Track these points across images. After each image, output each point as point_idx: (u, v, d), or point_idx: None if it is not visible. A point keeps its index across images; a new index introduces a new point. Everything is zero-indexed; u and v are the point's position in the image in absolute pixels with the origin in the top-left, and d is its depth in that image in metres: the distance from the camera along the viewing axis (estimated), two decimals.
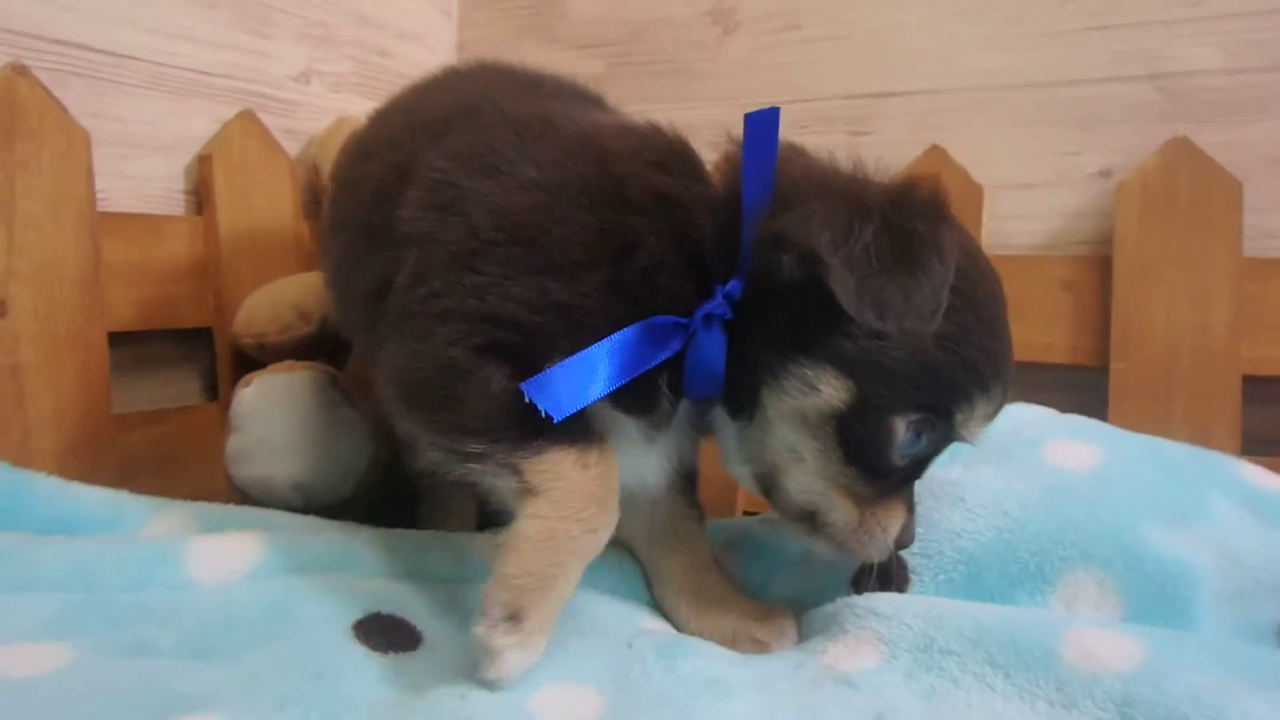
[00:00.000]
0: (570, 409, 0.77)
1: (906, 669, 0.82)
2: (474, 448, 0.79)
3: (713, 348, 0.83)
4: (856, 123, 1.62)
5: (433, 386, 0.82)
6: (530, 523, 0.76)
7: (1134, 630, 0.83)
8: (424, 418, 0.84)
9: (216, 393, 1.50)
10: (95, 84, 1.34)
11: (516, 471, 0.78)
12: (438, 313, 0.83)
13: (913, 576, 0.95)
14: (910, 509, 0.87)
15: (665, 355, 0.82)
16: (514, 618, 0.74)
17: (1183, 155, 1.37)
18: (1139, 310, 1.38)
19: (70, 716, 0.68)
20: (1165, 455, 1.05)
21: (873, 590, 0.92)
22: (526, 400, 0.76)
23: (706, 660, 0.85)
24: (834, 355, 0.80)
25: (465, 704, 0.71)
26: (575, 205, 0.84)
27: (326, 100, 1.70)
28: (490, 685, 0.74)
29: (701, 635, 0.94)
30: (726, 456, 0.92)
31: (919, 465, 0.86)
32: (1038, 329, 1.44)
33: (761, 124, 0.82)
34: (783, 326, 0.82)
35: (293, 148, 1.62)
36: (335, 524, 1.03)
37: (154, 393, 1.45)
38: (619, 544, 0.97)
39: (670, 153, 0.89)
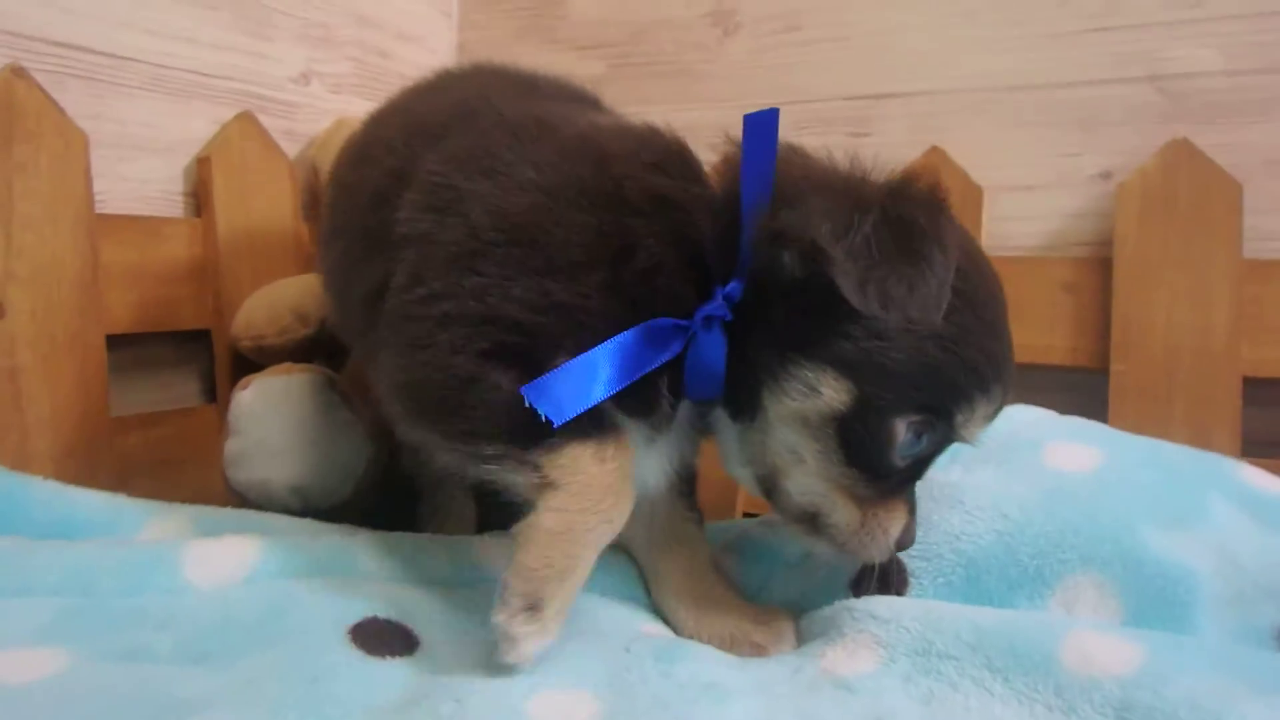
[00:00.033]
0: (571, 413, 0.77)
1: (905, 673, 0.82)
2: (490, 450, 0.80)
3: (713, 349, 0.83)
4: (856, 124, 1.62)
5: (441, 397, 0.82)
6: (550, 515, 0.77)
7: (1133, 634, 0.83)
8: (436, 427, 0.85)
9: (215, 395, 1.50)
10: (94, 86, 1.34)
11: (536, 468, 0.79)
12: (438, 317, 0.83)
13: (912, 579, 0.95)
14: (911, 509, 0.87)
15: (666, 358, 0.82)
16: (533, 607, 0.76)
17: (1183, 157, 1.37)
18: (1139, 312, 1.38)
19: None
20: (1165, 457, 1.05)
21: (872, 594, 0.92)
22: None
23: (704, 664, 0.85)
24: (834, 357, 0.80)
25: (462, 708, 0.71)
26: (574, 206, 0.84)
27: (326, 102, 1.70)
28: (508, 670, 0.76)
29: (700, 638, 0.94)
30: (727, 458, 0.92)
31: (920, 466, 0.86)
32: (1038, 330, 1.44)
33: (761, 125, 0.82)
34: (783, 328, 0.82)
35: (292, 149, 1.62)
36: (333, 527, 1.03)
37: (152, 395, 1.45)
38: (618, 546, 0.97)
39: (668, 154, 0.89)
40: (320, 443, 1.18)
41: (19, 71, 1.20)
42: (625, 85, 1.78)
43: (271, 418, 1.17)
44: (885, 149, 0.84)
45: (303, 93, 1.65)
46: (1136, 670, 0.76)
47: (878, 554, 0.86)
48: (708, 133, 0.88)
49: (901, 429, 0.81)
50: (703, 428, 0.93)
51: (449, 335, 0.81)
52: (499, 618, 0.76)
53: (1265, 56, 1.35)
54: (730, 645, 0.92)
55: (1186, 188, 1.36)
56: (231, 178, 1.49)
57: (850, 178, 0.83)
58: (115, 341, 1.33)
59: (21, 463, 1.14)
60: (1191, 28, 1.39)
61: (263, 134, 1.54)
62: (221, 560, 0.88)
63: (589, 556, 0.80)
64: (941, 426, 0.83)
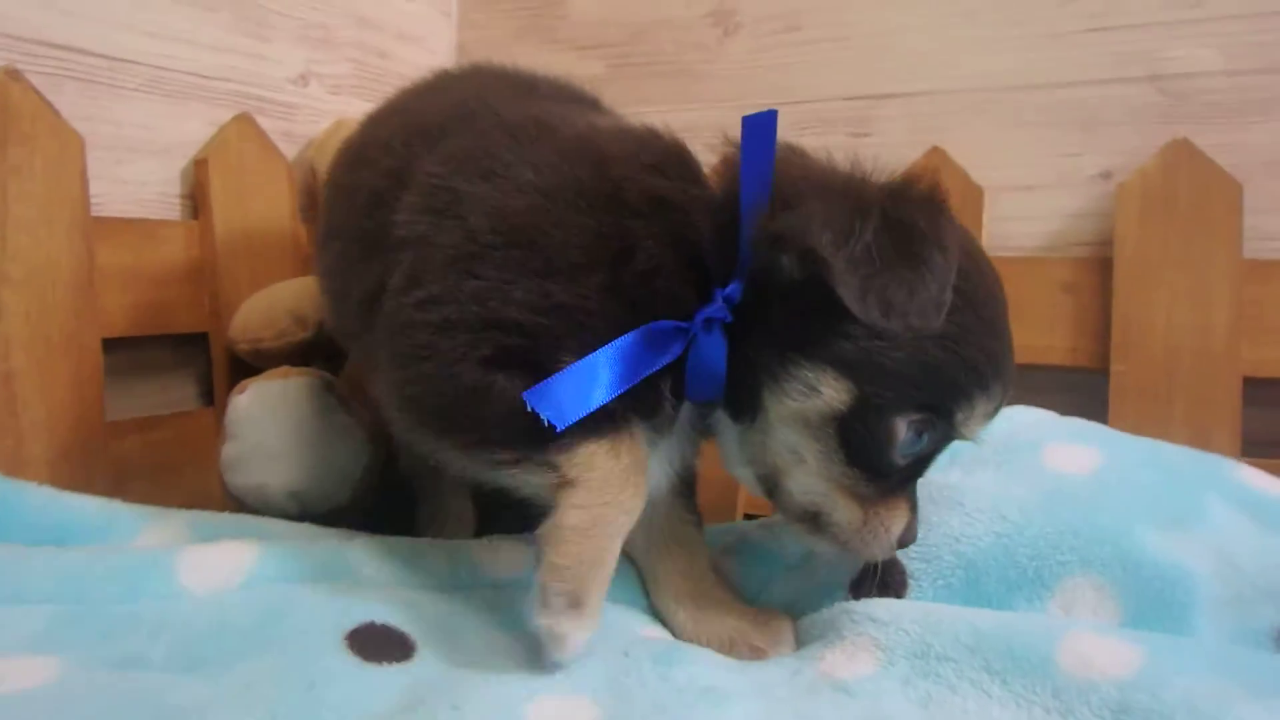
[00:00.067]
0: (573, 417, 0.77)
1: (903, 676, 0.82)
2: (505, 456, 0.82)
3: (713, 351, 0.83)
4: (857, 124, 1.62)
5: (449, 408, 0.83)
6: (573, 512, 0.78)
7: (1131, 636, 0.83)
8: (448, 438, 0.86)
9: (212, 398, 1.49)
10: (91, 88, 1.33)
11: (554, 467, 0.80)
12: (437, 323, 0.82)
13: (911, 581, 0.95)
14: (913, 507, 0.88)
15: (666, 360, 0.82)
16: (574, 604, 0.77)
17: (1183, 157, 1.37)
18: (1139, 312, 1.38)
19: None
20: (1164, 459, 1.05)
21: (871, 596, 0.92)
22: None
23: (703, 668, 0.84)
24: (834, 357, 0.80)
25: (460, 714, 0.71)
26: (573, 208, 0.84)
27: (325, 103, 1.69)
28: (556, 666, 0.79)
29: (699, 641, 0.93)
30: (728, 458, 0.92)
31: (921, 464, 0.87)
32: (1038, 331, 1.44)
33: (759, 126, 0.82)
34: (783, 328, 0.82)
35: (291, 151, 1.62)
36: (330, 531, 1.02)
37: (149, 399, 1.45)
38: None
39: (667, 156, 0.89)
40: (318, 446, 1.18)
41: (14, 74, 1.20)
42: (625, 85, 1.78)
43: (268, 422, 1.17)
44: (885, 149, 0.85)
45: (301, 94, 1.65)
46: (1134, 672, 0.76)
47: (880, 552, 0.87)
48: (708, 133, 0.88)
49: (902, 428, 0.81)
50: (703, 429, 0.93)
51: (450, 343, 0.81)
52: (542, 620, 0.77)
53: (1265, 56, 1.35)
54: (729, 648, 0.92)
55: (1186, 188, 1.36)
56: (229, 179, 1.48)
57: (850, 179, 0.83)
58: (112, 345, 1.33)
59: (16, 468, 1.14)
60: (1192, 28, 1.39)
61: (261, 135, 1.54)
62: (217, 565, 0.87)
63: (615, 547, 0.80)
64: (942, 425, 0.83)
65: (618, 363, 0.80)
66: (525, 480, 0.82)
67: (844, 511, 0.85)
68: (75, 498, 1.03)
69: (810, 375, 0.80)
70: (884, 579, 0.93)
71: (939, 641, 0.83)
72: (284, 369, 1.24)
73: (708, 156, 0.90)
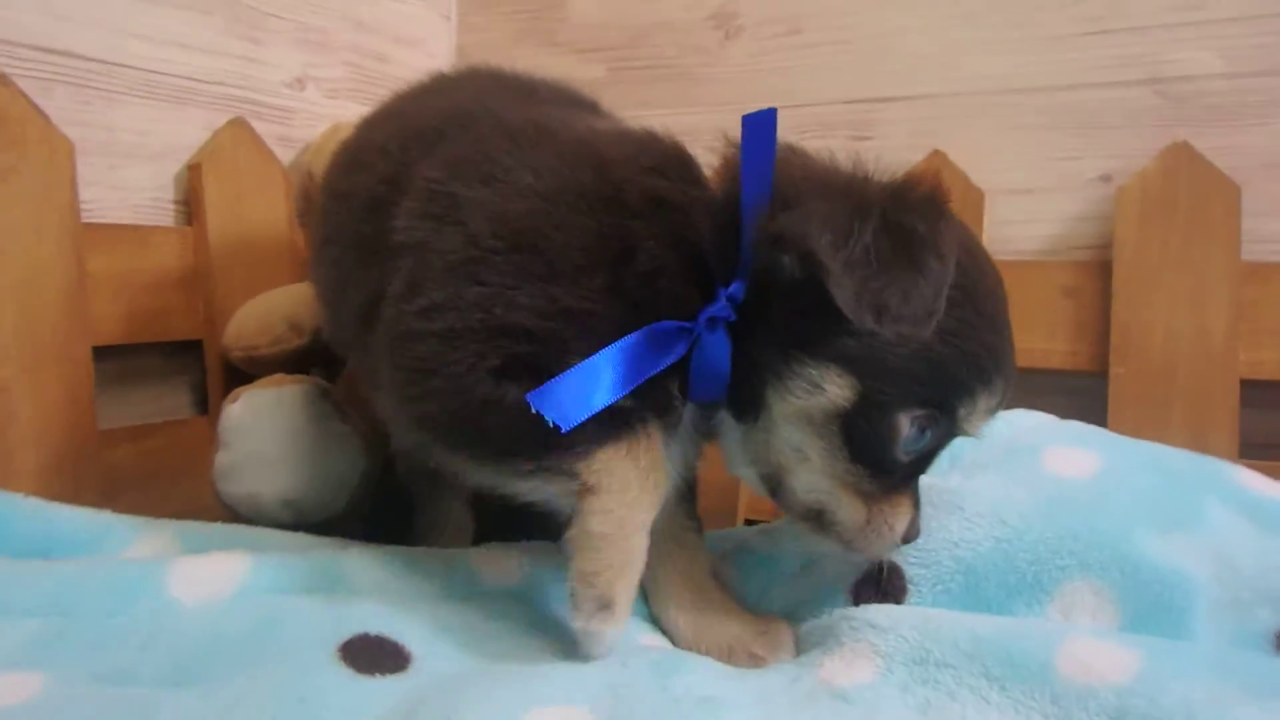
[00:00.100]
0: (576, 418, 0.77)
1: (902, 682, 0.81)
2: (524, 466, 0.82)
3: (718, 350, 0.83)
4: (857, 128, 1.61)
5: (463, 423, 0.83)
6: (596, 518, 0.79)
7: (1130, 640, 0.82)
8: (464, 452, 0.86)
9: (206, 407, 1.48)
10: (83, 92, 1.32)
11: (573, 475, 0.80)
12: (441, 332, 0.82)
13: (910, 587, 0.94)
14: (916, 504, 0.88)
15: (670, 360, 0.82)
16: (605, 605, 0.79)
17: (1183, 160, 1.36)
18: (1139, 315, 1.38)
19: None
20: (1163, 462, 1.05)
21: (872, 600, 0.92)
22: None
23: (701, 676, 0.84)
24: (837, 354, 0.80)
25: None
26: (574, 211, 0.84)
27: (322, 106, 1.68)
28: (591, 659, 0.82)
29: (698, 649, 0.93)
30: (731, 459, 0.92)
31: (924, 461, 0.87)
32: (1038, 334, 1.44)
33: (759, 125, 0.82)
34: (785, 326, 0.82)
35: (287, 155, 1.61)
36: (324, 541, 1.01)
37: (142, 407, 1.44)
38: None
39: (667, 158, 0.89)
40: (313, 455, 1.17)
41: (1, 78, 1.19)
42: (626, 88, 1.77)
43: (262, 430, 1.16)
44: (886, 152, 0.84)
45: (298, 98, 1.64)
46: (1133, 678, 0.75)
47: (884, 550, 0.87)
48: (709, 136, 0.88)
49: (905, 424, 0.82)
50: (706, 431, 0.93)
51: (457, 354, 0.81)
52: (578, 623, 0.80)
53: (1265, 59, 1.35)
54: (728, 655, 0.92)
55: (1186, 191, 1.36)
56: (224, 185, 1.47)
57: (852, 179, 0.83)
58: (105, 352, 1.32)
59: (5, 478, 1.13)
60: (1192, 31, 1.39)
61: (256, 140, 1.53)
62: (209, 576, 0.87)
63: (641, 544, 0.82)
64: (944, 421, 0.83)
65: (621, 363, 0.80)
66: (546, 490, 0.83)
67: (848, 509, 0.85)
68: (65, 509, 1.02)
69: (814, 373, 0.80)
70: (884, 585, 0.93)
71: (938, 648, 0.82)
72: (279, 376, 1.23)
73: (708, 159, 0.90)
